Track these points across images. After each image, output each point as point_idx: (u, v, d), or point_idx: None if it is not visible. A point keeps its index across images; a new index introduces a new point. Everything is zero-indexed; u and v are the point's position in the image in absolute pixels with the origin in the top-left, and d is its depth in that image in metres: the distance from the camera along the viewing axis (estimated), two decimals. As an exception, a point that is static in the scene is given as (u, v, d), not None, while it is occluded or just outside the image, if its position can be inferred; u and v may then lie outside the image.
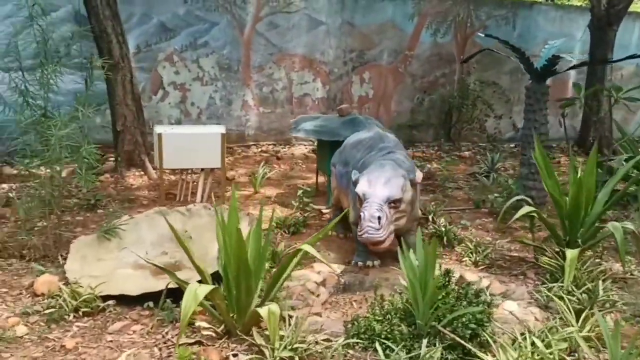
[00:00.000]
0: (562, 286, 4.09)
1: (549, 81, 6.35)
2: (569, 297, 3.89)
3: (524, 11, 11.63)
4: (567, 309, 3.63)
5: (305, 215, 5.92)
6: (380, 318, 3.34)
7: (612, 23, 10.00)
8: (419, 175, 4.47)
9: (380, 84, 10.89)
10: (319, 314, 3.79)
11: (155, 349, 3.20)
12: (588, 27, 10.39)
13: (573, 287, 4.04)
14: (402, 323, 3.30)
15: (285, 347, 3.00)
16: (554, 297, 3.88)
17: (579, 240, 4.62)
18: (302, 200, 6.28)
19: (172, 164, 6.25)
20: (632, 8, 11.16)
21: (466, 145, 11.23)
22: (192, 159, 6.24)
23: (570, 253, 4.26)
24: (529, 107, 6.28)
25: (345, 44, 10.47)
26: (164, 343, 3.28)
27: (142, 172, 7.30)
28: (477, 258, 4.91)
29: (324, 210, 6.26)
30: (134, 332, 3.41)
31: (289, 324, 3.39)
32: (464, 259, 4.97)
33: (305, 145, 10.26)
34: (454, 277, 3.63)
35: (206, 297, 3.09)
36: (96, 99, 4.81)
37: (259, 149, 9.84)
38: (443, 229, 5.46)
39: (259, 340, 3.05)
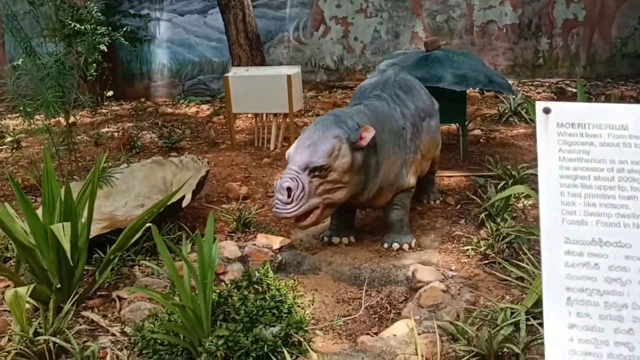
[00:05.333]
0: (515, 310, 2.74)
1: None
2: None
3: None
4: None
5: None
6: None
7: None
8: (366, 137, 3.40)
9: (595, 2, 8.55)
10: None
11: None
12: None
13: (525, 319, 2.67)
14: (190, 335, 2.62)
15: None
16: (467, 328, 2.63)
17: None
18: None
19: (241, 108, 6.05)
20: None
21: None
22: (261, 103, 5.92)
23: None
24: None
25: (546, -46, 8.46)
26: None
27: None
28: (487, 249, 3.62)
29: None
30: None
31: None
32: (466, 249, 3.72)
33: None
34: (259, 283, 2.71)
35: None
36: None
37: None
38: (493, 203, 4.14)
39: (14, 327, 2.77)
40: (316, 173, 3.36)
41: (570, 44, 8.68)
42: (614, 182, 1.28)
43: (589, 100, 6.97)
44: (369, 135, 3.41)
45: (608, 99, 7.42)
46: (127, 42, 8.38)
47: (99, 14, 7.96)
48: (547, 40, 8.70)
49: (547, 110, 1.33)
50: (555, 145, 1.30)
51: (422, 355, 2.47)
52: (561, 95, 7.90)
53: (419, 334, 2.70)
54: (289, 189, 3.31)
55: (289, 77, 5.73)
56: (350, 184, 3.47)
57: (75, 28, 5.07)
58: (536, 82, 8.57)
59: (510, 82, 8.62)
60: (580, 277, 1.26)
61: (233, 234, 4.14)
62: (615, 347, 1.23)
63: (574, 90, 8.03)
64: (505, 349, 2.46)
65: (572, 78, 8.67)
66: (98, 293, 3.24)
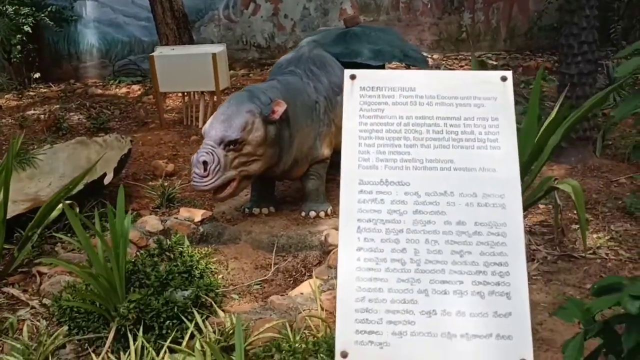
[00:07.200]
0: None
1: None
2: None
3: None
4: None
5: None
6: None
7: None
8: (278, 110, 3.58)
9: (514, -23, 8.91)
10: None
11: None
12: None
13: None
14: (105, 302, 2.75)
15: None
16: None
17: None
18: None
19: (168, 87, 6.11)
20: None
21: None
22: (187, 82, 6.00)
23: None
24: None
25: None
26: None
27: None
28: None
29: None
30: None
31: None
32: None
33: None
34: (171, 250, 2.88)
35: None
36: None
37: (353, 63, 9.02)
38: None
39: None
40: (231, 147, 3.52)
41: (491, 18, 9.03)
42: (401, 133, 1.54)
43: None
44: (280, 109, 3.59)
45: (525, 71, 7.82)
46: (52, 23, 8.28)
47: (21, -6, 7.79)
48: (470, 15, 9.03)
49: (353, 77, 1.56)
50: (357, 106, 1.54)
51: (323, 309, 2.69)
52: (483, 67, 8.24)
53: (323, 291, 2.92)
54: (205, 163, 3.46)
55: (214, 55, 5.81)
56: (264, 157, 3.65)
57: (-4, 9, 5.03)
58: (460, 56, 8.90)
59: (436, 56, 8.96)
60: (369, 211, 1.53)
61: (157, 210, 4.26)
62: (391, 263, 1.51)
63: (494, 63, 8.42)
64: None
65: (494, 51, 9.05)
66: (19, 270, 3.32)
